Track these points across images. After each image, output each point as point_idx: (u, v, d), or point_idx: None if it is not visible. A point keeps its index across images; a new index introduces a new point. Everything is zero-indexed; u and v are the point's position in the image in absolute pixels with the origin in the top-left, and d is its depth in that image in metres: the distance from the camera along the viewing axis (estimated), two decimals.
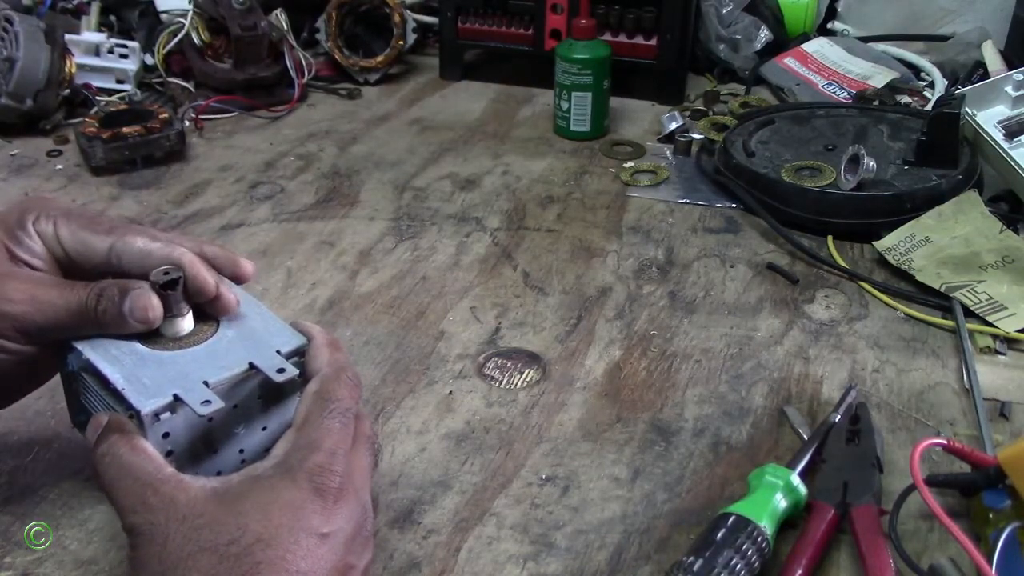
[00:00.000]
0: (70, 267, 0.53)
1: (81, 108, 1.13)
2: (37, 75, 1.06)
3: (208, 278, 0.51)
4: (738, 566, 0.50)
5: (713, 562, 0.50)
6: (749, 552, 0.51)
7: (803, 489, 0.56)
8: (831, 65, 1.24)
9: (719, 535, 0.51)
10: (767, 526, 0.53)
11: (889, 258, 0.83)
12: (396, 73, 1.31)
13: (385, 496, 0.59)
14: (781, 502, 0.55)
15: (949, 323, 0.75)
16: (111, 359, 0.49)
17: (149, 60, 1.21)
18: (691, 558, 0.50)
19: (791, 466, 0.58)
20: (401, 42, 1.25)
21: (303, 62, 1.22)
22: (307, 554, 0.42)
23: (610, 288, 0.81)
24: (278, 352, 0.51)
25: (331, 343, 0.51)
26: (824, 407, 0.67)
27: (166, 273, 0.50)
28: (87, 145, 1.00)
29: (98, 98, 1.14)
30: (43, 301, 0.49)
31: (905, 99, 1.18)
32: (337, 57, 1.26)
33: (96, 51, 1.16)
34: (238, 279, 0.55)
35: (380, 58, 1.26)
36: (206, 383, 0.48)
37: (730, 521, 0.52)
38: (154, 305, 0.50)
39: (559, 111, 1.11)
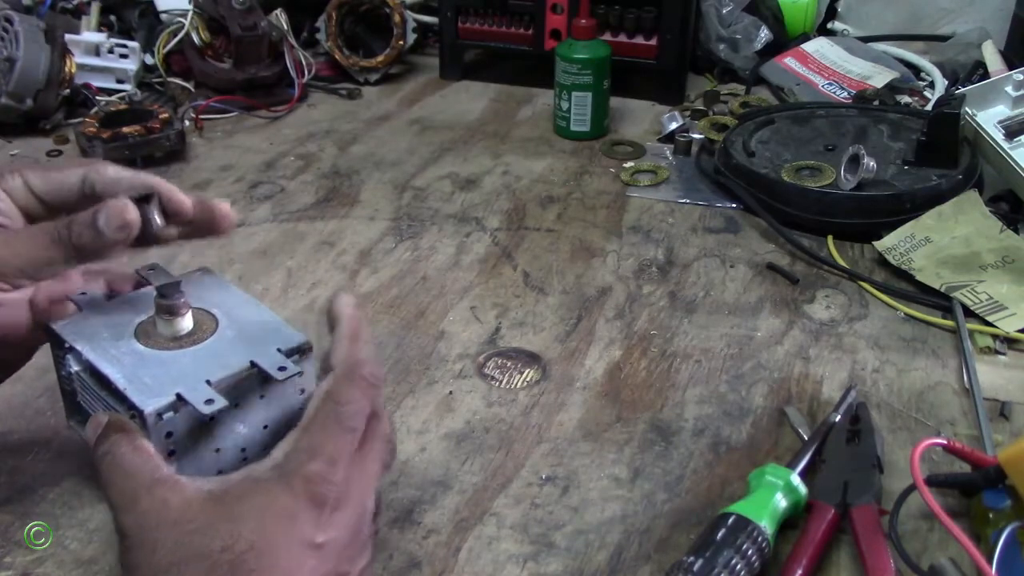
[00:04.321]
0: (43, 216, 0.53)
1: (81, 108, 1.13)
2: (37, 75, 1.06)
3: (183, 197, 0.53)
4: (738, 566, 0.50)
5: (713, 562, 0.50)
6: (749, 552, 0.51)
7: (803, 489, 0.56)
8: (831, 65, 1.24)
9: (719, 535, 0.52)
10: (767, 526, 0.53)
11: (889, 258, 0.83)
12: (396, 73, 1.31)
13: (385, 496, 0.59)
14: (781, 502, 0.55)
15: (949, 323, 0.75)
16: (111, 359, 0.49)
17: (149, 60, 1.21)
18: (691, 558, 0.50)
19: (791, 466, 0.58)
20: (401, 42, 1.25)
21: (303, 62, 1.22)
22: (299, 565, 0.41)
23: (610, 288, 0.81)
24: (279, 350, 0.51)
25: (352, 335, 0.48)
26: (824, 407, 0.67)
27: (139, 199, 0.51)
28: (87, 145, 1.00)
29: (98, 98, 1.14)
30: (16, 244, 0.50)
31: (905, 99, 1.18)
32: (337, 57, 1.26)
33: (96, 51, 1.16)
34: (220, 224, 0.56)
35: (380, 58, 1.26)
36: (208, 382, 0.48)
37: (730, 521, 0.52)
38: (130, 209, 0.49)
39: (559, 111, 1.11)
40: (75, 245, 0.49)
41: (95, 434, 0.45)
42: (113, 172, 0.53)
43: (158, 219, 0.52)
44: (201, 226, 0.56)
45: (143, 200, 0.51)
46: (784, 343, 0.74)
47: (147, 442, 0.45)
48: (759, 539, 0.52)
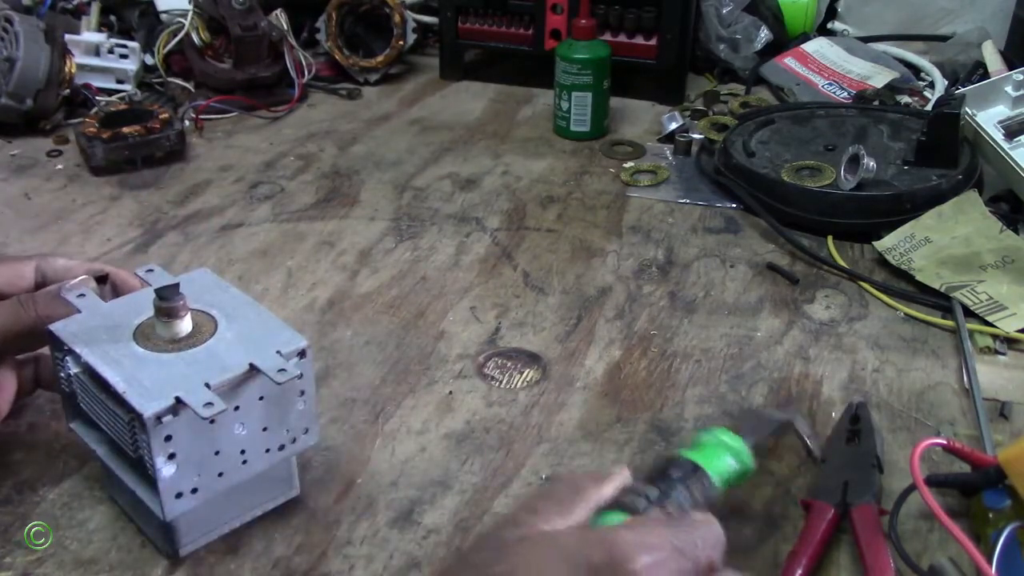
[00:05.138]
0: None
1: (81, 108, 1.13)
2: (37, 75, 1.06)
3: (135, 282, 0.58)
4: (686, 508, 0.48)
5: (668, 496, 0.48)
6: (699, 499, 0.49)
7: (751, 460, 0.53)
8: (831, 65, 1.24)
9: (675, 474, 0.49)
10: (717, 481, 0.51)
11: (889, 258, 0.83)
12: (396, 73, 1.31)
13: (385, 496, 0.59)
14: (731, 464, 0.52)
15: (949, 323, 0.75)
16: (110, 361, 0.49)
17: (149, 60, 1.21)
18: (651, 487, 0.48)
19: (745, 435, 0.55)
20: (401, 42, 1.25)
21: (303, 62, 1.22)
22: None
23: (610, 288, 0.81)
24: (278, 352, 0.51)
25: None
26: (824, 407, 0.67)
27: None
28: (87, 145, 1.00)
29: (98, 98, 1.14)
30: None
31: (905, 99, 1.18)
32: (337, 57, 1.26)
33: (96, 51, 1.16)
34: None
35: (380, 58, 1.26)
36: (207, 385, 0.48)
37: (685, 464, 0.50)
38: (92, 283, 0.55)
39: (559, 111, 1.11)
40: (41, 315, 0.53)
41: None
42: (63, 262, 0.58)
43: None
44: None
45: (99, 281, 0.56)
46: (784, 343, 0.74)
47: None
48: (708, 489, 0.50)
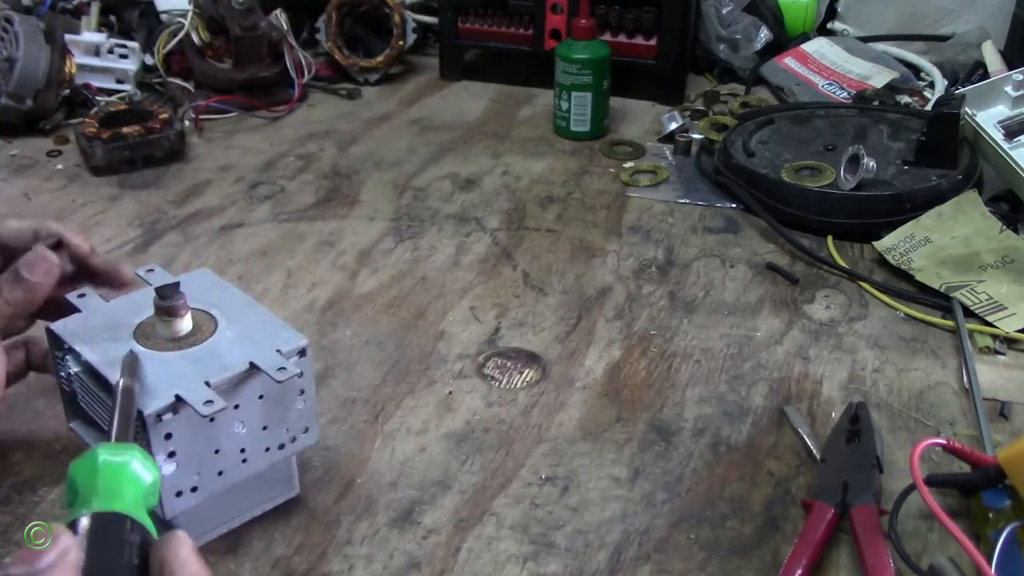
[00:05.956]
0: None
1: (81, 108, 1.13)
2: (37, 75, 1.06)
3: (81, 242, 0.58)
4: None
5: None
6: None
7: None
8: (831, 65, 1.24)
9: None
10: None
11: (889, 258, 0.83)
12: (396, 73, 1.31)
13: (385, 496, 0.59)
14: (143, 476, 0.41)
15: (949, 323, 0.75)
16: (111, 360, 0.49)
17: (149, 60, 1.21)
18: None
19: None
20: (401, 42, 1.25)
21: (303, 62, 1.22)
22: None
23: (610, 288, 0.82)
24: (278, 351, 0.51)
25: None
26: (824, 407, 0.67)
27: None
28: (87, 145, 1.00)
29: (98, 98, 1.14)
30: None
31: (905, 99, 1.18)
32: (337, 57, 1.26)
33: (96, 51, 1.16)
34: (119, 281, 0.60)
35: (380, 58, 1.26)
36: (207, 383, 0.48)
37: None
38: (49, 254, 0.55)
39: (559, 111, 1.11)
40: (7, 301, 0.54)
41: None
42: (14, 223, 0.58)
43: (67, 265, 0.57)
44: (106, 280, 0.61)
45: (54, 248, 0.57)
46: (784, 343, 0.74)
47: None
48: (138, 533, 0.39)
